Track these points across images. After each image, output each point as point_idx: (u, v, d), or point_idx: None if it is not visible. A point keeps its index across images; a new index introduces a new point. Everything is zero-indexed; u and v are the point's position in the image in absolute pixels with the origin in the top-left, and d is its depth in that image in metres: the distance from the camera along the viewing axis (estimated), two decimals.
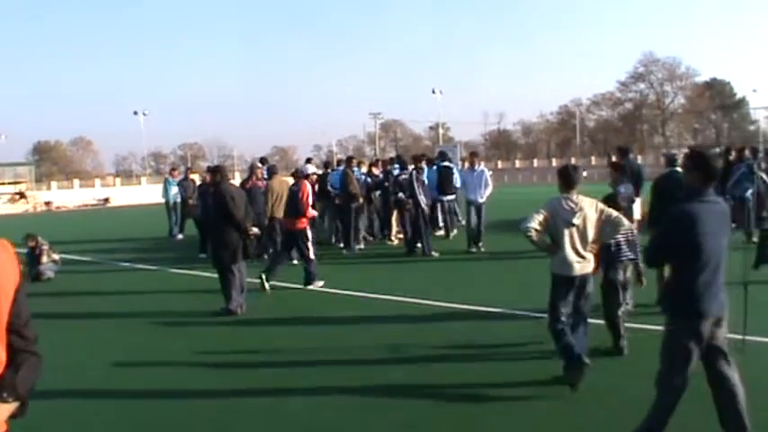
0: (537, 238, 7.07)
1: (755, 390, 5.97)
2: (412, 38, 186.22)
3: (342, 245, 18.79)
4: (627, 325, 8.20)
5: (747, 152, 20.45)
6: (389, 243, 19.57)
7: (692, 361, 5.22)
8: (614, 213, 7.28)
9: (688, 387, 5.21)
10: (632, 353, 7.93)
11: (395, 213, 19.41)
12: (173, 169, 28.80)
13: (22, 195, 60.60)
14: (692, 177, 5.32)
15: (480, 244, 17.41)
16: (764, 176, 15.96)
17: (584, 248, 7.11)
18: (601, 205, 7.30)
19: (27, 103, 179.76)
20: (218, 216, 11.20)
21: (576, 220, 7.03)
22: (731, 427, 5.29)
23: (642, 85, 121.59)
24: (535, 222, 7.00)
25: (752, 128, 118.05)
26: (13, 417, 2.63)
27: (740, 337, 7.58)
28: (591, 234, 7.12)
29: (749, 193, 16.14)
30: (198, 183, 21.55)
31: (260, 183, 17.17)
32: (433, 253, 16.75)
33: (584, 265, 7.14)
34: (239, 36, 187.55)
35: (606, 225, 7.21)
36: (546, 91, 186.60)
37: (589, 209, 7.12)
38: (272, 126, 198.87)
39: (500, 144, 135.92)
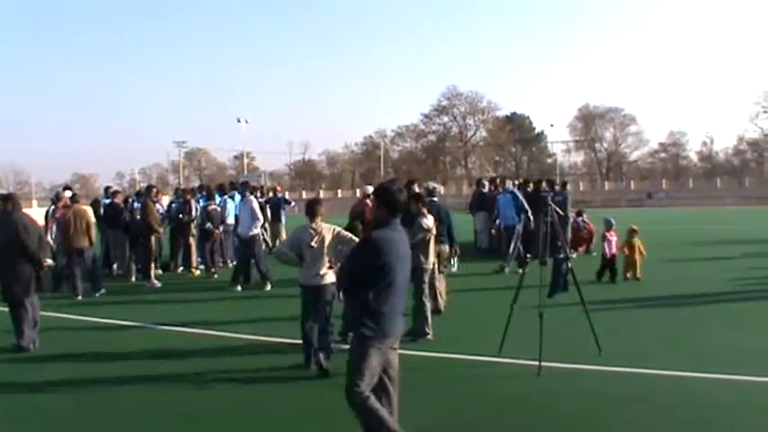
0: (284, 258, 9.08)
1: (547, 411, 6.36)
2: (215, 66, 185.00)
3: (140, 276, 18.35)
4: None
5: (544, 184, 21.74)
6: (191, 275, 19.43)
7: (378, 370, 5.76)
8: (348, 235, 9.21)
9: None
10: None
11: (193, 243, 19.53)
12: None
13: None
14: (380, 211, 5.91)
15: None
16: (558, 208, 16.92)
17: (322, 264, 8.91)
18: (337, 229, 9.21)
19: None
20: (9, 247, 10.68)
21: (314, 243, 8.89)
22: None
23: (445, 118, 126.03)
24: (285, 247, 9.29)
25: (549, 161, 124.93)
26: None
27: (536, 362, 8.13)
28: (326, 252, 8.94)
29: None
30: None
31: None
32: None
33: (322, 277, 8.91)
34: (36, 51, 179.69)
35: (340, 244, 9.04)
36: (351, 122, 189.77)
37: (327, 233, 9.00)
38: (73, 152, 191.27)
39: (305, 174, 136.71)
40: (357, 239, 8.65)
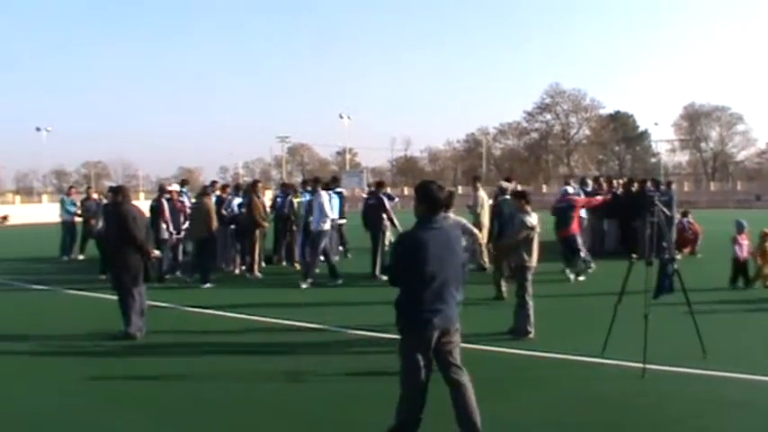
0: None
1: (650, 413, 6.23)
2: (319, 62, 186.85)
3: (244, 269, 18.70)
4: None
5: (649, 184, 21.23)
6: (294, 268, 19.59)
7: (422, 364, 5.92)
8: (471, 227, 10.48)
9: (428, 386, 5.99)
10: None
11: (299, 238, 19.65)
12: (71, 187, 28.28)
13: None
14: (420, 208, 6.11)
15: None
16: (664, 208, 16.55)
17: None
18: (463, 221, 10.16)
19: None
20: (119, 237, 11.04)
21: None
22: (463, 424, 6.00)
23: (548, 116, 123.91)
24: None
25: (653, 160, 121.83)
26: None
27: (640, 364, 7.98)
28: None
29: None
30: (104, 202, 21.29)
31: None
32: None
33: None
34: (140, 54, 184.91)
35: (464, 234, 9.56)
36: (453, 119, 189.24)
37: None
38: (179, 146, 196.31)
39: (407, 170, 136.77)
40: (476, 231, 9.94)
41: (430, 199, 6.07)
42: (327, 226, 16.78)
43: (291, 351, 10.22)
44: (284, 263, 20.18)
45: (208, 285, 16.44)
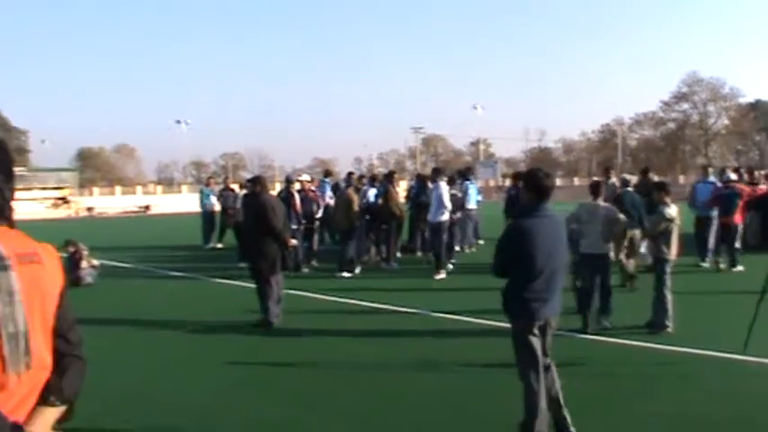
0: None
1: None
2: (454, 53, 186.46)
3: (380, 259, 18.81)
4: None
5: None
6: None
7: (538, 353, 5.93)
8: (616, 215, 10.45)
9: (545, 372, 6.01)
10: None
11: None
12: (209, 178, 29.14)
13: (64, 200, 61.37)
14: (527, 196, 6.13)
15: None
16: None
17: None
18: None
19: (71, 110, 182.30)
20: (257, 226, 11.26)
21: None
22: (551, 408, 6.04)
23: (685, 105, 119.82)
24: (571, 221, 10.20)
25: None
26: (59, 421, 2.66)
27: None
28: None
29: None
30: (240, 192, 21.81)
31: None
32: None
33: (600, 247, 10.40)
34: (277, 48, 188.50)
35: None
36: (587, 109, 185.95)
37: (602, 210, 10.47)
38: (313, 138, 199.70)
39: (541, 161, 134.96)
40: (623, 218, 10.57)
41: (537, 187, 6.03)
42: (445, 217, 16.55)
43: (426, 340, 10.21)
44: (419, 253, 20.12)
45: (345, 275, 16.59)
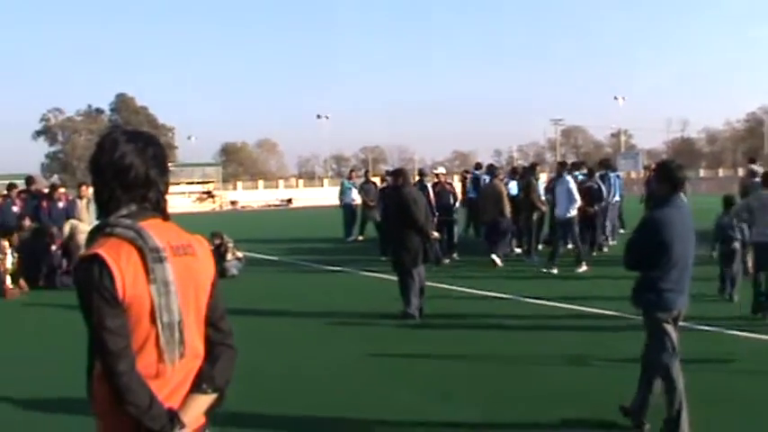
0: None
1: None
2: (595, 43, 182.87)
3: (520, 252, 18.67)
4: None
5: None
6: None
7: (676, 342, 5.92)
8: None
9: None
10: None
11: None
12: (351, 171, 29.52)
13: (209, 194, 63.59)
14: (661, 188, 6.12)
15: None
16: None
17: None
18: None
19: (216, 106, 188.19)
20: (399, 219, 11.29)
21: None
22: None
23: None
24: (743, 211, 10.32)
25: None
26: (210, 408, 2.73)
27: None
28: None
29: None
30: (380, 186, 22.00)
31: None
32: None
33: None
34: (419, 42, 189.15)
35: None
36: (732, 98, 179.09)
37: None
38: (452, 130, 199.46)
39: (683, 152, 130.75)
40: None
41: (670, 178, 6.02)
42: (574, 212, 16.07)
43: (569, 333, 10.02)
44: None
45: (497, 260, 16.71)
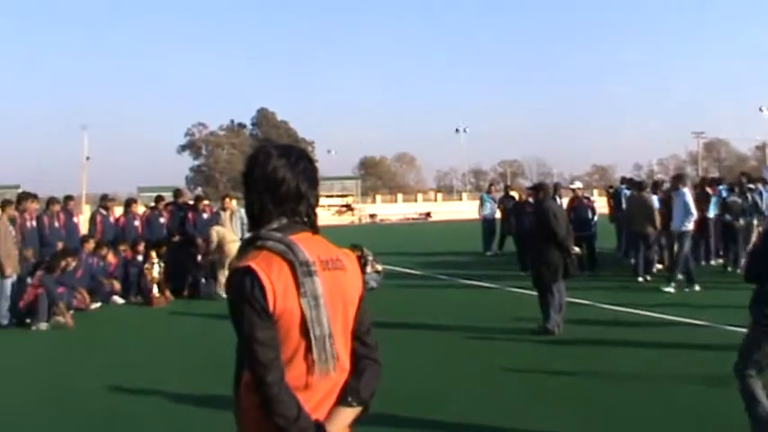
0: None
1: None
2: (738, 52, 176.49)
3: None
4: None
5: None
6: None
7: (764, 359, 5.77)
8: None
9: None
10: None
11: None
12: (491, 185, 29.37)
13: (348, 208, 64.55)
14: None
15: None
16: None
17: None
18: None
19: (356, 122, 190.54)
20: (540, 234, 11.18)
21: None
22: None
23: None
24: None
25: None
26: (355, 421, 2.75)
27: None
28: None
29: None
30: (510, 199, 21.99)
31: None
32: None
33: None
34: (550, 56, 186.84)
35: None
36: None
37: None
38: (592, 144, 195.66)
39: None
40: None
41: None
42: (690, 226, 15.46)
43: (715, 354, 9.65)
44: (702, 262, 18.98)
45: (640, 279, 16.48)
